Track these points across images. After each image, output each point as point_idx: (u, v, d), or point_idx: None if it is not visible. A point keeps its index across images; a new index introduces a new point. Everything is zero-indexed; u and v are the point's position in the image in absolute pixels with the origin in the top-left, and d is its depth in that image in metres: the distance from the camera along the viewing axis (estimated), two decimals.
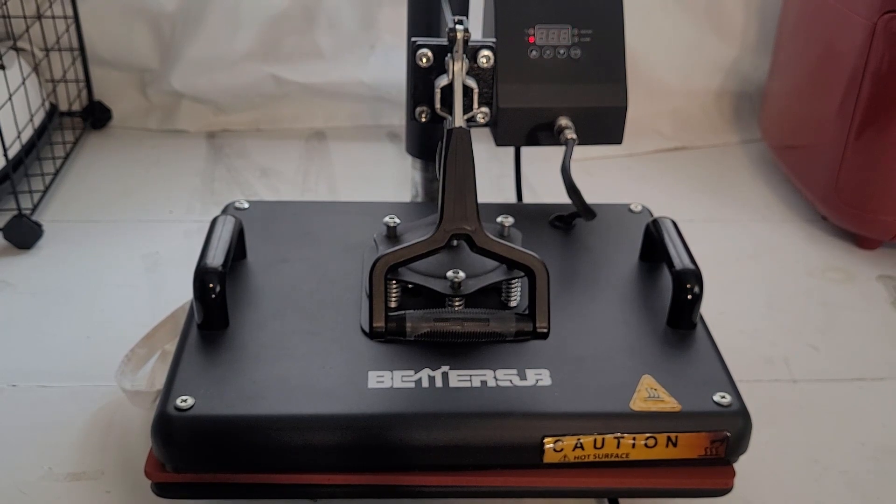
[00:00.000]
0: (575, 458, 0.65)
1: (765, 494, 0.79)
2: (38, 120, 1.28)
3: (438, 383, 0.68)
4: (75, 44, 1.39)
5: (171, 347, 0.85)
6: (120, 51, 1.44)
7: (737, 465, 0.69)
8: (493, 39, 0.72)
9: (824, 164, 1.16)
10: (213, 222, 0.82)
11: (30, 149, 1.23)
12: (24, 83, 1.21)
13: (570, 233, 0.88)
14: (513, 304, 0.76)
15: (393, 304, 0.74)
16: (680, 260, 0.76)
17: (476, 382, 0.68)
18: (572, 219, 0.89)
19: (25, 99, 1.21)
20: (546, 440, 0.65)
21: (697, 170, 1.38)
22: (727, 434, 0.66)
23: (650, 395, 0.67)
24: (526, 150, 0.98)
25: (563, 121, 0.87)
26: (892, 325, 1.03)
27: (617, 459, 0.66)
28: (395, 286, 0.74)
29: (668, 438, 0.65)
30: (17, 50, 1.30)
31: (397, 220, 0.79)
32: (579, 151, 0.93)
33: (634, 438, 0.65)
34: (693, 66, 1.50)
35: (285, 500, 0.75)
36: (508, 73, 0.87)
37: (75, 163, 1.34)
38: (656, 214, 1.27)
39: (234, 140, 1.43)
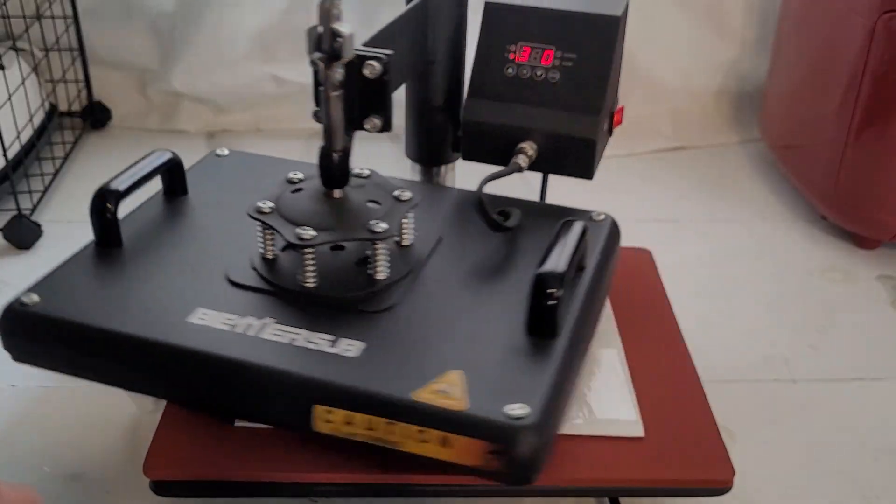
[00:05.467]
0: (347, 433, 0.63)
1: (764, 493, 0.79)
2: (37, 120, 1.28)
3: (252, 332, 0.67)
4: (75, 44, 1.39)
5: None
6: (119, 51, 1.44)
7: (737, 465, 0.70)
8: (388, 51, 0.70)
9: (824, 164, 1.15)
10: (149, 154, 0.84)
11: (29, 149, 1.23)
12: (23, 83, 1.21)
13: (514, 231, 0.82)
14: (380, 276, 0.73)
15: (269, 256, 0.74)
16: (548, 262, 0.68)
17: (286, 339, 0.67)
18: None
19: (25, 99, 1.21)
20: (317, 407, 0.63)
21: (697, 169, 1.38)
22: (507, 448, 0.59)
23: (442, 389, 0.62)
24: None
25: (526, 145, 0.84)
26: (891, 325, 1.03)
27: (390, 446, 0.62)
28: (270, 235, 0.74)
29: (443, 437, 0.61)
30: (17, 50, 1.30)
31: (271, 205, 0.75)
32: None
33: (406, 428, 0.62)
34: (693, 65, 1.50)
35: (284, 499, 0.75)
36: (479, 86, 0.85)
37: (75, 163, 1.34)
38: (657, 215, 1.27)
39: (234, 140, 1.43)
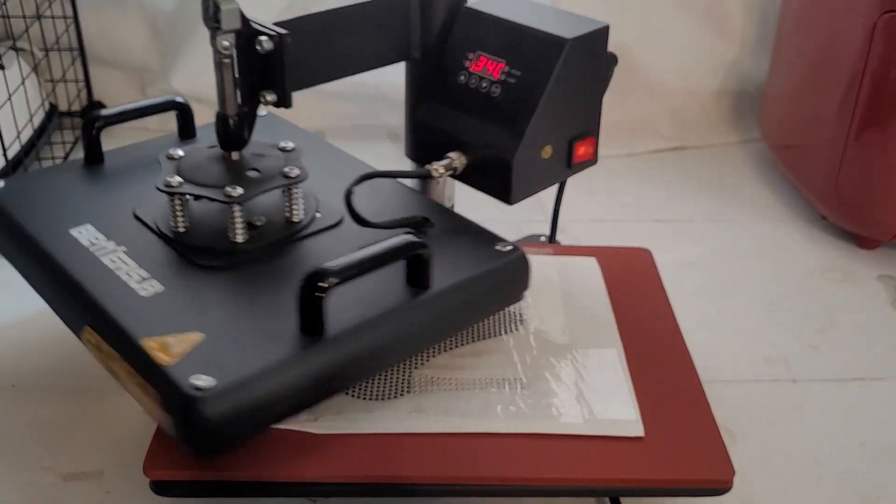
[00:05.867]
0: (98, 357, 0.69)
1: (764, 493, 0.79)
2: (37, 120, 1.28)
3: (98, 253, 0.75)
4: (75, 44, 1.39)
5: None
6: (119, 50, 1.44)
7: (737, 465, 0.70)
8: (282, 31, 0.73)
9: (824, 164, 1.16)
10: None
11: (29, 149, 1.23)
12: (23, 83, 1.21)
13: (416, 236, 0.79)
14: (238, 239, 0.76)
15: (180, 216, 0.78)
16: (331, 262, 0.66)
17: (113, 266, 0.73)
18: (425, 223, 0.81)
19: (25, 99, 1.21)
20: (87, 328, 0.70)
21: (697, 170, 1.39)
22: (175, 411, 0.61)
23: (169, 344, 0.65)
24: None
25: (454, 155, 0.82)
26: (891, 324, 1.03)
27: (120, 383, 0.67)
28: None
29: (144, 385, 0.64)
30: (17, 50, 1.31)
31: (181, 153, 0.81)
32: None
33: (126, 367, 0.65)
34: (693, 65, 1.50)
35: (283, 499, 0.75)
36: (434, 89, 0.86)
37: None
38: (657, 215, 1.27)
39: None
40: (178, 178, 0.76)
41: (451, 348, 0.80)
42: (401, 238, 0.70)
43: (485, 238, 0.79)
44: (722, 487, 0.70)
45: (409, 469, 0.68)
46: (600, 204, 1.27)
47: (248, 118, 0.78)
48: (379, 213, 0.80)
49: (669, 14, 1.46)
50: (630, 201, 1.28)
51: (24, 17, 1.32)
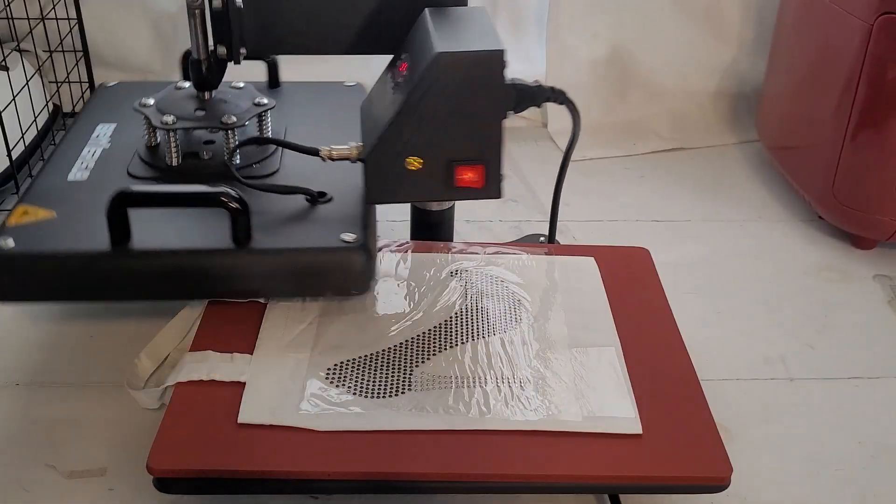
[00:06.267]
0: None
1: (761, 491, 0.80)
2: (41, 121, 1.29)
3: (89, 143, 0.92)
4: (78, 45, 1.39)
5: (178, 353, 0.86)
6: (123, 52, 1.44)
7: (734, 462, 0.71)
8: None
9: (821, 165, 1.16)
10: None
11: (33, 150, 1.23)
12: (27, 84, 1.22)
13: (308, 204, 0.86)
14: (172, 163, 0.88)
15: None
16: (139, 187, 0.83)
17: (84, 153, 0.91)
18: (321, 196, 0.86)
19: (29, 100, 1.22)
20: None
21: (694, 170, 1.39)
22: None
23: (28, 214, 0.81)
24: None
25: (353, 143, 0.84)
26: (888, 324, 1.04)
27: None
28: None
29: None
30: (21, 51, 1.31)
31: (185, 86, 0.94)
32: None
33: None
34: (690, 67, 1.51)
35: (286, 496, 0.76)
36: (376, 85, 0.90)
37: None
38: (655, 215, 1.28)
39: None
40: (150, 102, 0.89)
41: (450, 347, 0.81)
42: (215, 188, 0.79)
43: (345, 226, 0.82)
44: (719, 485, 0.71)
45: (410, 466, 0.69)
46: (599, 204, 1.27)
47: (217, 64, 0.88)
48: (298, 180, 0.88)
49: (667, 15, 1.47)
50: (628, 201, 1.29)
51: (28, 18, 1.33)
